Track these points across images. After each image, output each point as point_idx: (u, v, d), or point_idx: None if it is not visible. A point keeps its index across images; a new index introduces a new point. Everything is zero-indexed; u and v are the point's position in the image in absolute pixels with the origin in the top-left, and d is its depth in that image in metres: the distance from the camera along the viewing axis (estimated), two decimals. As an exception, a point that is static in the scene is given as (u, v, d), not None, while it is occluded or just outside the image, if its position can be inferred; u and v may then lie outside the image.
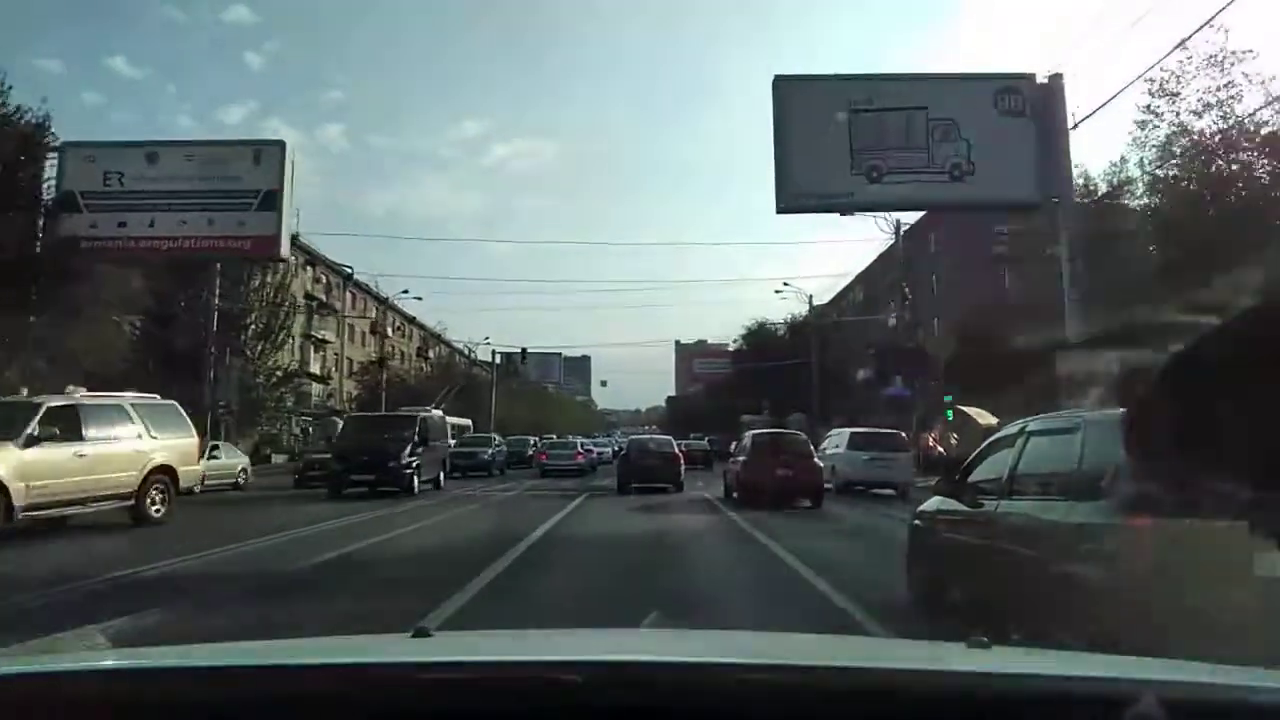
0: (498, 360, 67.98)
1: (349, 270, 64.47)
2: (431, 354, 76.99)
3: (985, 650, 1.58)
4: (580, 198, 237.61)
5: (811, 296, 44.67)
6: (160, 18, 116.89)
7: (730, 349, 61.56)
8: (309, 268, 58.67)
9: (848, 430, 23.88)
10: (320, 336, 59.42)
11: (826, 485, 19.10)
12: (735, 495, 18.33)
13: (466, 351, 70.44)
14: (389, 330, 74.28)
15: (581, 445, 35.59)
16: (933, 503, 6.98)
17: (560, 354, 69.42)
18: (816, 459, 18.79)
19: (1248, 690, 1.28)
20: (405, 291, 53.10)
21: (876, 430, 23.69)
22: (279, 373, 42.46)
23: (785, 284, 43.86)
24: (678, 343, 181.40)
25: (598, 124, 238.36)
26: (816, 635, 3.57)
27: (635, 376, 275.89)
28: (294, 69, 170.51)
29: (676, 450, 24.96)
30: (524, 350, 54.44)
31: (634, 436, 36.53)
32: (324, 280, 61.13)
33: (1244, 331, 0.77)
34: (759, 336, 54.47)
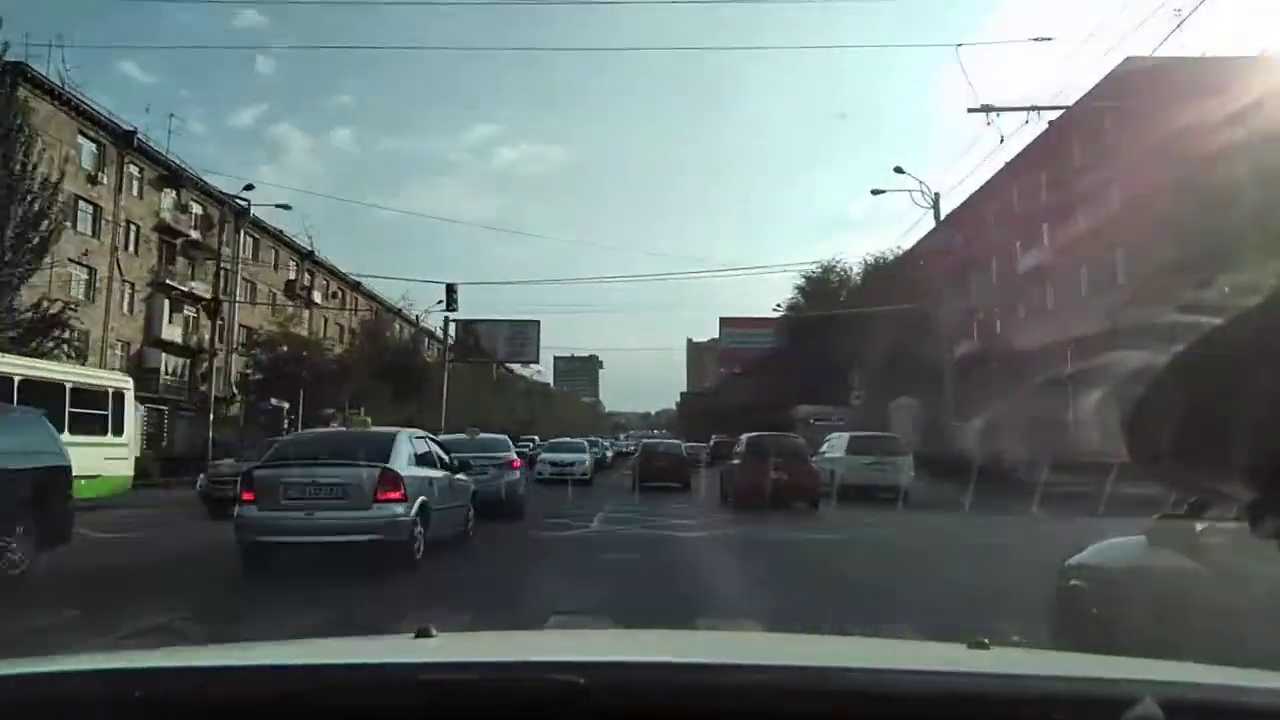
0: (452, 335, 49.79)
1: (243, 203, 46.80)
2: (389, 334, 57.93)
3: (985, 651, 1.58)
4: (589, 200, 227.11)
5: (938, 196, 26.33)
6: (170, 22, 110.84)
7: (776, 314, 43.32)
8: (171, 190, 40.91)
9: (846, 434, 22.71)
10: (186, 289, 41.55)
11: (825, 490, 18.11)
12: (730, 499, 17.97)
13: (415, 318, 52.14)
14: (316, 295, 56.45)
15: (422, 455, 9.91)
16: (1125, 550, 3.73)
17: (538, 322, 49.72)
18: (813, 463, 18.49)
19: (1248, 690, 1.28)
20: (285, 205, 34.37)
21: (875, 434, 23.38)
22: (28, 314, 25.14)
23: (898, 170, 25.29)
24: (690, 340, 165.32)
25: (607, 129, 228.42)
26: (818, 636, 3.53)
27: (645, 378, 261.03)
28: (304, 73, 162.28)
29: (684, 454, 26.33)
30: (451, 289, 34.82)
31: (646, 440, 35.07)
32: (199, 212, 43.28)
33: (1251, 330, 0.81)
34: (820, 290, 36.14)
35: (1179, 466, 0.83)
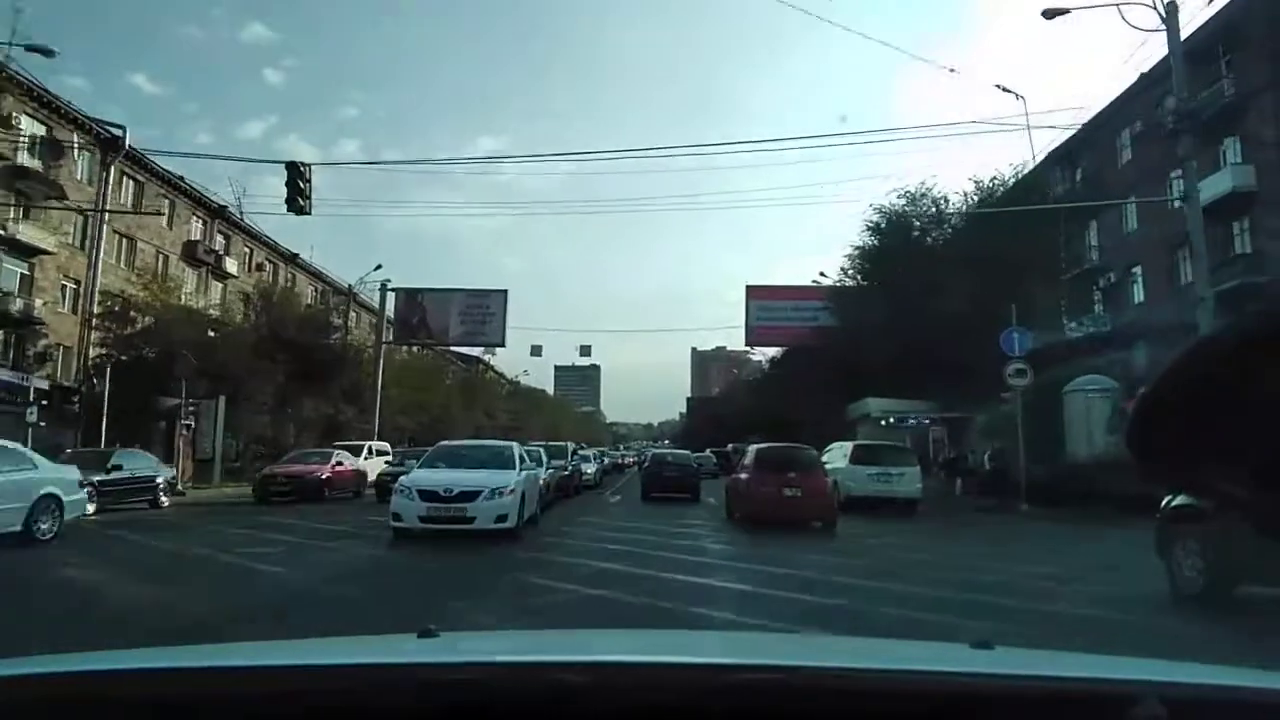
0: (391, 310, 38.15)
1: (116, 131, 35.70)
2: (336, 317, 45.80)
3: (988, 651, 1.56)
4: (594, 211, 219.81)
5: (1174, 5, 14.79)
6: (180, 36, 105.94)
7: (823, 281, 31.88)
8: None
9: (850, 443, 21.39)
10: (9, 233, 30.08)
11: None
12: (736, 515, 16.46)
13: (348, 288, 40.56)
14: (230, 263, 44.90)
15: None
16: None
17: (504, 291, 37.06)
18: (826, 474, 16.89)
19: (1247, 691, 1.27)
20: (47, 51, 21.90)
21: (882, 442, 21.95)
22: None
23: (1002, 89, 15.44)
24: (694, 349, 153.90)
25: (609, 139, 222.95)
26: (819, 636, 3.66)
27: (648, 390, 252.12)
28: (311, 86, 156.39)
29: (693, 464, 25.71)
30: (294, 169, 20.01)
31: (655, 450, 34.28)
32: (42, 134, 31.83)
33: (1251, 333, 0.85)
34: (903, 231, 24.59)
35: (1181, 465, 0.82)
